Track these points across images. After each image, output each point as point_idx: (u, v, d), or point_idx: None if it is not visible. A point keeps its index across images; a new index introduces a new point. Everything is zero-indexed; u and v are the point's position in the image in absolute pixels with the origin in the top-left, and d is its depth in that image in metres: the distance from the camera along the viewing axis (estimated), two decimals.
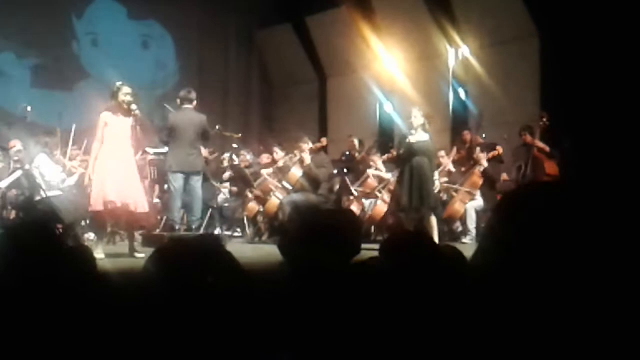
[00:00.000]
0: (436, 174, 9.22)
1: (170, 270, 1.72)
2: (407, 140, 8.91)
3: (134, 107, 7.86)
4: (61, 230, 8.24)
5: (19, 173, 9.97)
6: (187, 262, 1.69)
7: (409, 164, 8.80)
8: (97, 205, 7.77)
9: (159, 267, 1.76)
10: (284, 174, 10.74)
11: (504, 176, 10.39)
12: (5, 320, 2.15)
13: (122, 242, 9.47)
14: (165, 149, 9.86)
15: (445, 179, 10.68)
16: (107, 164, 7.76)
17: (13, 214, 10.14)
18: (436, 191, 9.11)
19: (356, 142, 12.16)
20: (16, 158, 10.43)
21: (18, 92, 12.93)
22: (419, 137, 8.78)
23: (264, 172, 11.22)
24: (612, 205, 1.65)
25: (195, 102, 9.39)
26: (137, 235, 9.50)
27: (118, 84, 8.10)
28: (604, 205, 1.66)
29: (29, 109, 10.52)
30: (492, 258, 1.64)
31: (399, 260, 2.22)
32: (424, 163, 8.74)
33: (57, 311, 2.18)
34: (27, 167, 9.78)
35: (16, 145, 10.52)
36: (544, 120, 9.95)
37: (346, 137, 12.50)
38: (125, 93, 7.90)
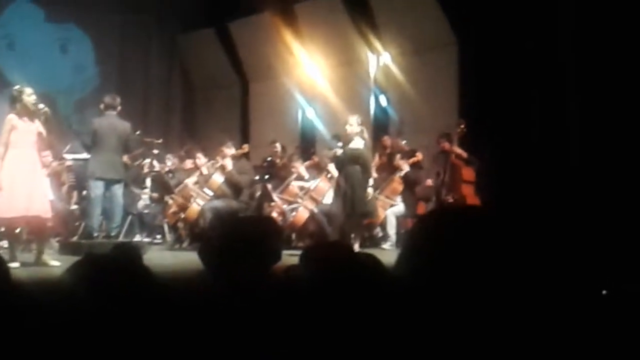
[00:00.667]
0: (370, 181, 9.30)
1: (86, 281, 1.71)
2: (338, 152, 9.02)
3: (41, 105, 7.65)
4: None
5: None
6: (103, 274, 1.68)
7: (342, 173, 8.93)
8: (5, 212, 7.52)
9: (76, 279, 1.74)
10: (206, 179, 10.68)
11: (429, 182, 10.53)
12: None
13: (27, 253, 9.24)
14: (84, 155, 9.68)
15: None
16: (14, 169, 7.50)
17: None
18: (369, 198, 9.18)
19: (279, 147, 12.17)
20: None
21: None
22: (353, 144, 8.89)
23: (187, 179, 11.12)
24: (521, 223, 1.72)
25: (119, 109, 9.27)
26: (54, 243, 9.30)
27: (17, 87, 7.82)
28: (513, 225, 1.72)
29: None
30: (411, 269, 1.68)
31: (318, 269, 2.24)
32: (356, 170, 8.84)
33: None
34: None
35: None
36: (462, 127, 10.15)
37: (268, 142, 12.49)
38: (29, 94, 7.67)
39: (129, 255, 1.79)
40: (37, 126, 7.61)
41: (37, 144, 7.64)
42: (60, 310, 1.83)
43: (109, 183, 9.11)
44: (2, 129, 7.55)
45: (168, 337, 1.69)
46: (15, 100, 7.62)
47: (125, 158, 10.45)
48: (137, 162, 11.75)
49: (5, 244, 8.67)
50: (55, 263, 7.46)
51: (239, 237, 2.98)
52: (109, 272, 1.68)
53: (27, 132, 7.55)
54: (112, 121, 9.21)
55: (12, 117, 7.54)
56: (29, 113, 7.59)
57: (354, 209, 8.84)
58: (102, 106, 9.36)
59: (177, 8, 15.69)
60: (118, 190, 9.23)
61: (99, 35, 15.28)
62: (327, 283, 2.13)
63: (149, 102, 15.99)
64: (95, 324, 1.66)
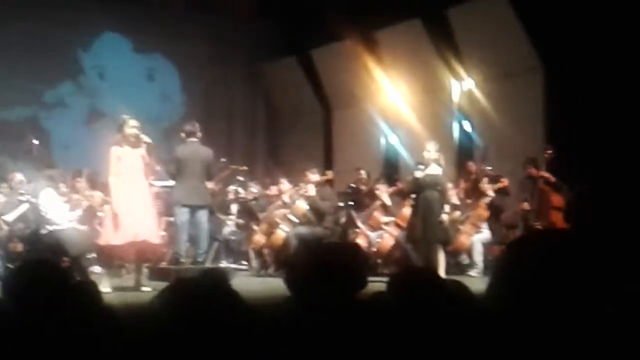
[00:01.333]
0: (447, 208, 9.25)
1: (176, 307, 1.73)
2: (418, 174, 9.03)
3: (142, 136, 7.89)
4: (67, 264, 8.22)
5: (25, 206, 10.00)
6: (193, 299, 1.69)
7: (420, 197, 8.94)
8: (113, 239, 7.74)
9: (166, 304, 1.76)
10: (290, 206, 10.74)
11: (525, 205, 10.27)
12: (11, 355, 2.15)
13: (127, 275, 9.45)
14: (171, 182, 9.87)
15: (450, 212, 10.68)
16: (123, 197, 7.75)
17: (19, 247, 10.15)
18: (445, 224, 9.12)
19: (364, 174, 12.17)
20: (22, 191, 10.47)
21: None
22: (430, 170, 8.91)
23: (271, 205, 11.21)
24: (614, 249, 1.67)
25: (199, 135, 9.43)
26: (144, 269, 9.49)
27: (123, 117, 8.15)
28: (605, 251, 1.67)
29: (35, 142, 10.57)
30: (501, 297, 1.65)
31: (405, 296, 2.22)
32: (433, 196, 8.86)
33: (63, 345, 2.18)
34: (32, 200, 9.81)
35: (16, 177, 10.57)
36: (549, 152, 9.96)
37: (352, 169, 12.50)
38: (131, 126, 7.94)
39: (218, 280, 1.81)
40: (141, 153, 7.83)
41: (143, 170, 7.86)
42: (149, 335, 1.85)
43: (194, 209, 9.25)
44: (108, 160, 7.81)
45: None
46: (118, 130, 7.90)
47: (211, 185, 10.63)
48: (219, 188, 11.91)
49: (97, 269, 8.88)
50: (147, 288, 7.63)
51: (324, 264, 2.97)
52: (198, 296, 1.70)
53: (131, 160, 7.78)
54: (194, 148, 9.36)
55: (114, 149, 7.79)
56: (131, 143, 7.83)
57: (428, 235, 8.84)
58: (183, 134, 9.53)
59: (260, 37, 15.93)
60: (203, 216, 9.36)
61: (184, 65, 15.61)
62: (415, 310, 2.11)
63: (234, 130, 16.23)
64: (184, 350, 1.68)
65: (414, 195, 9.58)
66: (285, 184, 11.26)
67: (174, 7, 15.71)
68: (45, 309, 2.27)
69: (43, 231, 9.42)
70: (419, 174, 9.05)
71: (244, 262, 11.86)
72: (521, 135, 11.43)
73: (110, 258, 8.31)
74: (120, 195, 7.79)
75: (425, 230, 8.83)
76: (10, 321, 2.28)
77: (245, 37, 15.99)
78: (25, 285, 2.37)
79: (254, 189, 12.34)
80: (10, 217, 10.05)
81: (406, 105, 13.68)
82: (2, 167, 10.57)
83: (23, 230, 10.20)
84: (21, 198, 10.31)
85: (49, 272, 2.43)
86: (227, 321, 1.65)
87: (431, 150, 9.02)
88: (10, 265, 9.32)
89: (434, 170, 8.97)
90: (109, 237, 7.77)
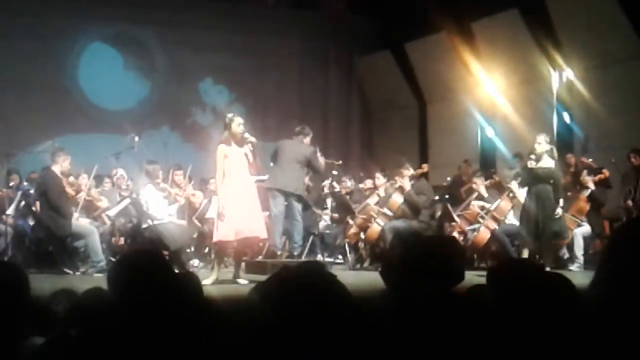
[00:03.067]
0: (561, 201, 9.06)
1: (277, 299, 1.74)
2: (529, 167, 8.86)
3: (247, 135, 8.02)
4: (168, 257, 8.42)
5: (127, 201, 10.31)
6: (296, 290, 1.70)
7: (533, 190, 8.78)
8: (226, 235, 7.88)
9: (266, 296, 1.77)
10: (385, 200, 10.72)
11: (629, 203, 9.97)
12: (118, 345, 2.21)
13: (224, 268, 9.62)
14: (265, 177, 10.01)
15: None
16: (232, 195, 7.89)
17: (121, 241, 10.47)
18: (558, 218, 8.95)
19: (469, 166, 12.06)
20: (124, 187, 10.79)
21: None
22: (543, 163, 8.73)
23: (367, 199, 11.23)
24: None
25: (308, 137, 9.59)
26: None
27: (230, 115, 8.29)
28: None
29: (137, 139, 10.85)
30: (606, 290, 1.60)
31: (507, 289, 2.18)
32: (547, 190, 8.69)
33: (167, 336, 2.24)
34: (134, 195, 10.10)
35: (118, 172, 10.88)
36: None
37: (447, 162, 12.40)
38: (238, 123, 8.07)
39: (320, 272, 1.82)
40: (246, 151, 7.97)
41: (249, 166, 8.01)
42: (249, 327, 1.87)
43: (289, 199, 9.36)
44: (215, 158, 7.97)
45: (354, 356, 1.69)
46: (225, 128, 8.06)
47: (306, 180, 10.74)
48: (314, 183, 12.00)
49: (195, 262, 9.08)
50: (243, 281, 7.76)
51: (421, 257, 2.94)
52: (301, 288, 1.71)
53: (237, 157, 7.93)
54: (295, 142, 9.53)
55: (221, 147, 7.95)
56: (237, 141, 7.97)
57: (545, 229, 8.66)
58: (295, 133, 9.72)
59: (354, 31, 15.94)
60: (297, 208, 9.46)
61: (278, 61, 15.74)
62: (517, 303, 2.07)
63: (328, 125, 16.30)
64: (282, 341, 1.69)
65: (516, 191, 9.45)
66: (380, 178, 11.25)
67: (266, 2, 15.87)
68: (149, 300, 2.33)
69: (144, 225, 9.70)
70: (534, 165, 8.87)
71: (339, 256, 11.90)
72: (623, 126, 11.09)
73: (224, 254, 8.45)
74: (229, 193, 7.93)
75: (543, 226, 8.68)
76: (116, 312, 2.36)
77: (339, 32, 16.03)
78: (130, 277, 2.43)
79: (349, 183, 12.35)
80: (112, 212, 10.37)
81: (503, 97, 13.46)
82: (105, 163, 10.88)
83: (125, 225, 10.51)
84: (123, 193, 10.63)
85: (153, 263, 2.49)
86: (332, 313, 1.65)
87: (542, 142, 8.81)
88: (113, 259, 9.61)
89: (546, 163, 8.78)
90: (223, 233, 7.89)
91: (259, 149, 8.18)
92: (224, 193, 7.91)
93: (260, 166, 8.41)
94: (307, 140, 9.65)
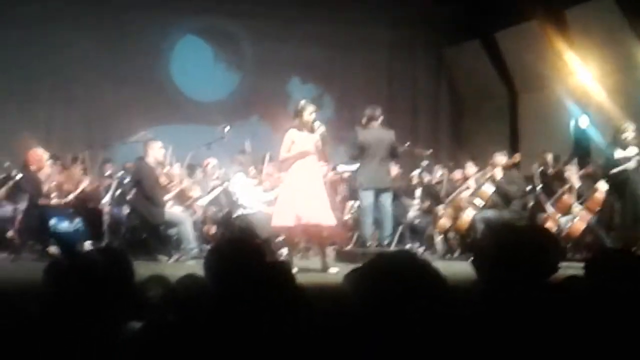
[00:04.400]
0: None
1: (374, 284, 1.75)
2: (619, 156, 8.64)
3: (317, 124, 8.05)
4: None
5: (218, 190, 10.48)
6: (393, 276, 1.70)
7: (627, 181, 8.55)
8: (283, 220, 7.97)
9: (363, 282, 1.78)
10: (476, 190, 10.60)
11: None
12: (213, 330, 2.26)
13: (315, 257, 9.69)
14: (355, 166, 10.02)
15: None
16: (296, 180, 7.96)
17: (213, 230, 10.65)
18: None
19: (549, 157, 11.77)
20: (214, 176, 10.97)
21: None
22: (629, 152, 8.51)
23: (457, 189, 11.12)
24: None
25: (381, 119, 9.50)
26: (331, 251, 9.68)
27: (302, 102, 8.34)
28: None
29: (227, 129, 11.00)
30: None
31: (605, 280, 2.13)
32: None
33: (259, 323, 2.27)
34: (225, 184, 10.26)
35: (210, 162, 11.06)
36: None
37: (539, 153, 12.15)
38: (310, 112, 8.11)
39: (414, 261, 1.81)
40: (315, 139, 8.00)
41: (316, 155, 8.04)
42: (341, 314, 1.89)
43: (378, 192, 9.34)
44: (283, 142, 8.04)
45: (448, 343, 1.69)
46: (296, 115, 8.11)
47: (396, 170, 10.70)
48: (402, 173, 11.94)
49: (284, 251, 9.18)
50: (334, 269, 7.79)
51: (514, 248, 2.91)
52: (396, 276, 1.71)
53: (306, 144, 7.97)
54: (376, 132, 9.46)
55: (291, 131, 8.01)
56: (308, 128, 8.02)
57: (637, 220, 8.43)
58: (364, 119, 9.63)
59: (442, 21, 15.76)
60: (387, 200, 9.43)
61: (367, 51, 15.71)
62: (615, 295, 2.02)
63: (417, 115, 16.20)
64: (375, 328, 1.70)
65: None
66: (471, 168, 11.12)
67: None
68: (243, 287, 2.37)
69: (234, 214, 9.86)
70: (624, 154, 8.64)
71: (429, 246, 11.83)
72: None
73: (293, 240, 8.54)
74: (292, 178, 7.98)
75: (634, 215, 8.45)
76: (210, 298, 2.41)
77: (427, 22, 15.88)
78: (225, 264, 2.48)
79: (439, 172, 12.26)
80: (204, 201, 10.57)
81: (598, 86, 13.10)
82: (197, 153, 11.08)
83: (216, 214, 10.70)
84: (214, 183, 10.81)
85: (247, 251, 2.53)
86: (428, 299, 1.65)
87: (630, 131, 8.58)
88: (204, 247, 9.80)
89: (632, 152, 8.53)
90: (280, 218, 7.98)
91: (327, 138, 8.18)
92: (288, 178, 7.98)
93: (328, 157, 8.43)
94: (380, 123, 9.55)
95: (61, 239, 9.14)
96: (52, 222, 9.20)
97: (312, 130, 8.05)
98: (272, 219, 8.18)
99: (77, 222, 9.44)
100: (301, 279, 2.93)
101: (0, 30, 13.08)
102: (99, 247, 4.78)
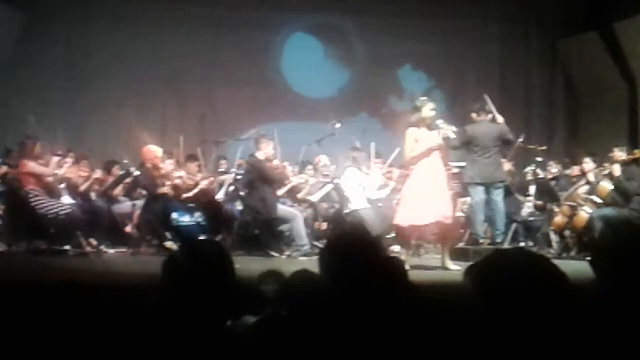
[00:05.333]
0: None
1: (490, 285, 1.71)
2: None
3: (439, 121, 7.97)
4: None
5: (329, 187, 10.54)
6: (514, 273, 1.66)
7: None
8: (404, 219, 7.94)
9: (476, 282, 1.75)
10: (593, 187, 10.28)
11: None
12: (328, 326, 2.27)
13: (426, 255, 9.62)
14: (464, 163, 9.88)
15: None
16: (420, 178, 7.91)
17: (324, 226, 10.72)
18: None
19: (617, 151, 11.30)
20: (325, 172, 11.02)
21: None
22: None
23: (573, 186, 10.81)
24: None
25: (490, 113, 9.36)
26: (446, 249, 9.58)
27: (422, 99, 8.28)
28: None
29: (338, 125, 11.04)
30: None
31: None
32: None
33: (374, 319, 2.27)
34: (336, 181, 10.30)
35: (321, 159, 11.12)
36: None
37: None
38: (430, 108, 8.04)
39: (533, 256, 1.77)
40: (435, 137, 7.94)
41: (439, 153, 7.97)
42: (458, 311, 1.86)
43: (489, 188, 9.19)
44: (404, 141, 8.01)
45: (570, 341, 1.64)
46: (415, 111, 8.07)
47: (508, 165, 10.49)
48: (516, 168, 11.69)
49: (396, 248, 9.16)
50: (455, 267, 7.70)
51: (635, 247, 2.80)
52: (517, 271, 1.68)
53: (427, 142, 7.92)
54: (485, 126, 9.32)
55: (411, 130, 7.97)
56: (427, 125, 7.96)
57: None
58: (473, 114, 9.49)
59: (557, 13, 15.35)
60: (498, 196, 9.27)
61: (479, 45, 15.46)
62: None
63: (531, 109, 15.84)
64: (499, 324, 1.66)
65: None
66: (589, 163, 10.77)
67: None
68: (358, 283, 2.37)
69: (346, 211, 9.89)
70: None
71: (543, 244, 11.54)
72: None
73: (407, 238, 8.49)
74: (416, 176, 7.94)
75: None
76: (324, 293, 2.41)
77: (541, 13, 15.51)
78: (341, 259, 2.48)
79: (554, 168, 11.95)
80: (315, 197, 10.64)
81: None
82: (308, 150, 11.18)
83: (327, 210, 10.76)
84: (325, 179, 10.87)
85: (363, 246, 2.53)
86: (550, 296, 1.61)
87: None
88: (316, 243, 9.87)
89: None
90: (406, 216, 7.95)
91: (447, 138, 8.07)
92: (410, 176, 7.94)
93: (445, 152, 8.32)
94: (489, 116, 9.38)
95: (182, 232, 9.40)
96: (174, 215, 9.49)
97: (430, 128, 7.99)
98: (396, 216, 8.14)
99: (198, 216, 9.69)
100: (413, 276, 2.91)
101: (115, 33, 13.57)
102: (202, 240, 4.87)
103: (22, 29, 13.30)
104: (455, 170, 10.85)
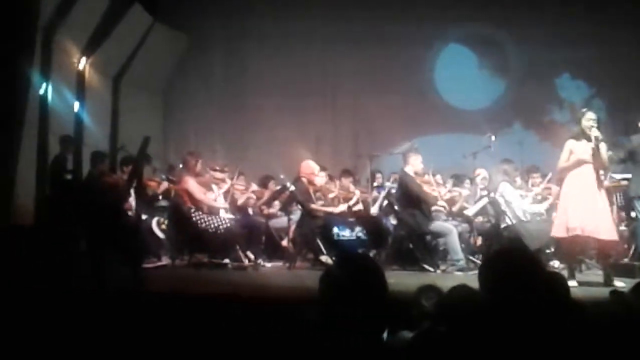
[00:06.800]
0: None
1: None
2: None
3: (594, 131, 7.70)
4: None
5: (485, 200, 10.36)
6: None
7: None
8: (558, 231, 7.75)
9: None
10: None
11: None
12: (486, 342, 2.23)
13: (587, 270, 9.28)
14: (629, 174, 9.47)
15: None
16: (572, 190, 7.71)
17: (479, 240, 10.54)
18: None
19: None
20: (482, 186, 10.85)
21: None
22: None
23: None
24: None
25: None
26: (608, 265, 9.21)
27: (583, 110, 8.07)
28: None
29: (493, 138, 10.86)
30: None
31: None
32: None
33: (535, 336, 2.21)
34: (492, 194, 10.12)
35: (481, 173, 10.95)
36: None
37: None
38: (589, 118, 7.80)
39: None
40: (591, 146, 7.69)
41: (593, 164, 7.72)
42: (625, 329, 1.79)
43: None
44: (562, 153, 7.84)
45: None
46: (576, 122, 7.90)
47: None
48: None
49: (555, 263, 8.90)
50: (620, 284, 7.38)
51: None
52: None
53: (583, 153, 7.72)
54: None
55: (570, 142, 7.81)
56: (586, 136, 7.75)
57: None
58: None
59: None
60: None
61: (613, 55, 14.73)
62: None
63: None
64: None
65: None
66: None
67: None
68: (518, 299, 2.32)
69: (502, 225, 9.69)
70: None
71: None
72: None
73: (569, 252, 8.20)
74: (570, 188, 7.73)
75: None
76: (483, 309, 2.37)
77: None
78: (502, 274, 2.44)
79: None
80: (471, 211, 10.49)
81: None
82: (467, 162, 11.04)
83: (483, 224, 10.57)
84: (482, 193, 10.70)
85: (522, 262, 2.48)
86: None
87: None
88: (471, 258, 9.72)
89: None
90: (556, 229, 7.78)
91: (599, 146, 7.77)
92: (564, 188, 7.75)
93: (606, 164, 7.99)
94: None
95: (343, 247, 9.47)
96: (335, 230, 9.59)
97: (589, 138, 7.75)
98: (552, 229, 7.99)
99: (358, 231, 9.76)
100: (577, 292, 2.81)
101: (270, 50, 13.97)
102: (355, 254, 4.89)
103: (184, 47, 13.97)
104: (617, 183, 10.43)
